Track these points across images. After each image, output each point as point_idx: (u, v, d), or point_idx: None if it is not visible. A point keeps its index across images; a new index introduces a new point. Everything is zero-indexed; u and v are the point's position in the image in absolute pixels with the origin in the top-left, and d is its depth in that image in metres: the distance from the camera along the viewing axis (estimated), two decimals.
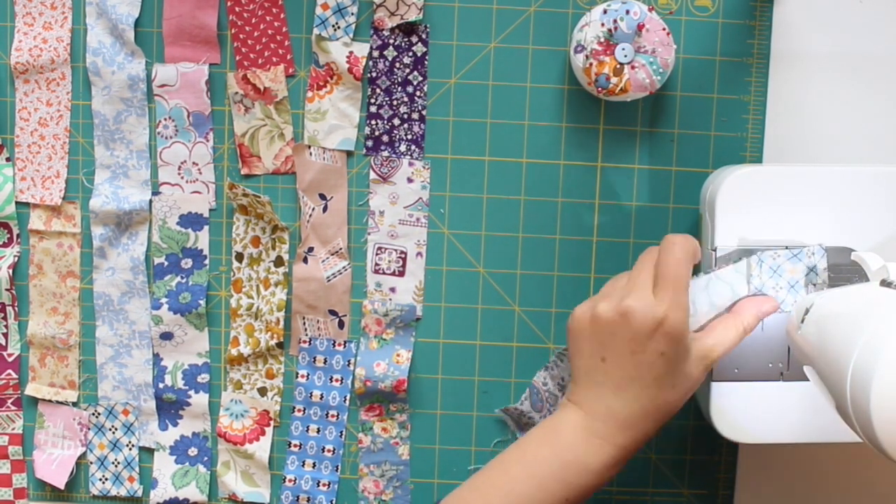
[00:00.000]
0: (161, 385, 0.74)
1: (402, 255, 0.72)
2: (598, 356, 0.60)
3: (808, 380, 0.58)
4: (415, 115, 0.71)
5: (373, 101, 0.71)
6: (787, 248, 0.63)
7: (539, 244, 0.72)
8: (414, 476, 0.74)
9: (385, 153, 0.72)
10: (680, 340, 0.58)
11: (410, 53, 0.71)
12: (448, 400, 0.74)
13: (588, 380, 0.61)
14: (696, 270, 0.63)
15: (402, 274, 0.72)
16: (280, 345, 0.74)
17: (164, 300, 0.73)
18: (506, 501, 0.60)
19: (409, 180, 0.71)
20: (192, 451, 0.75)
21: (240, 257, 0.73)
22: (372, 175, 0.71)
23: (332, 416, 0.74)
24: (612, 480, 0.61)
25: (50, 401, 0.75)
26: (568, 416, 0.61)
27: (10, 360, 0.75)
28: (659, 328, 0.58)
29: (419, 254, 0.72)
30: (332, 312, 0.73)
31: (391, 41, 0.71)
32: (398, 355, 0.73)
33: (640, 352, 0.59)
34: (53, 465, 0.75)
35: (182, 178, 0.72)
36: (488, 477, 0.62)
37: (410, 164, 0.71)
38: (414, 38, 0.71)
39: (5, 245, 0.74)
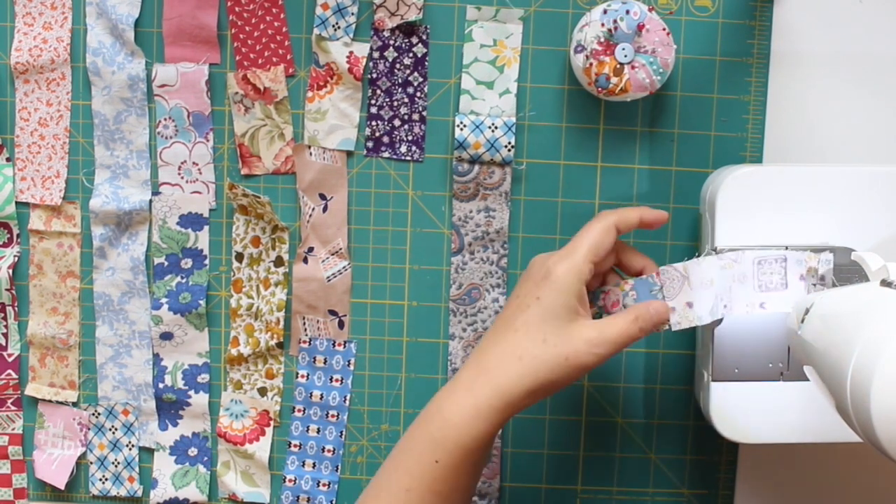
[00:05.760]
0: (161, 385, 0.74)
1: None
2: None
3: (808, 380, 0.58)
4: (415, 116, 0.71)
5: (373, 101, 0.71)
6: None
7: (539, 244, 0.72)
8: None
9: (385, 154, 0.72)
10: (560, 291, 0.58)
11: (411, 54, 0.71)
12: None
13: (487, 332, 0.62)
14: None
15: None
16: (280, 345, 0.74)
17: (164, 300, 0.73)
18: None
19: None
20: (192, 451, 0.75)
21: (240, 257, 0.73)
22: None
23: (332, 416, 0.74)
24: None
25: (50, 401, 0.75)
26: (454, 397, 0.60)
27: (10, 360, 0.75)
28: (546, 277, 0.59)
29: None
30: (332, 312, 0.73)
31: (391, 42, 0.71)
32: None
33: (522, 295, 0.60)
34: (53, 465, 0.75)
35: (182, 178, 0.72)
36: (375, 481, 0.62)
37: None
38: (414, 39, 0.71)
39: (5, 245, 0.74)
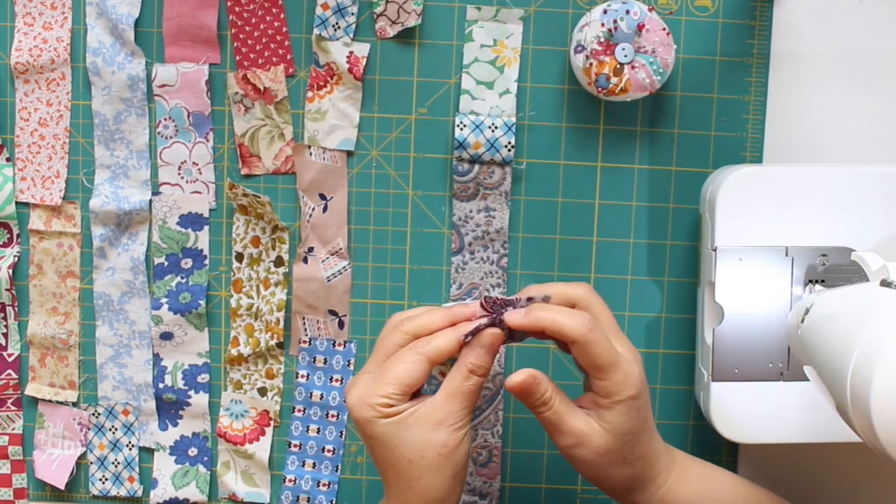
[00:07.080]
0: (161, 385, 0.74)
1: None
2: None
3: (808, 380, 0.58)
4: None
5: None
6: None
7: (539, 244, 0.72)
8: None
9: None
10: (365, 424, 0.58)
11: None
12: None
13: None
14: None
15: None
16: (280, 345, 0.74)
17: (164, 300, 0.73)
18: None
19: None
20: (192, 451, 0.75)
21: (240, 257, 0.73)
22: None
23: (332, 416, 0.74)
24: None
25: (50, 401, 0.75)
26: None
27: (10, 360, 0.75)
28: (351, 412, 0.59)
29: None
30: (332, 312, 0.73)
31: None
32: None
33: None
34: (53, 465, 0.75)
35: (182, 178, 0.72)
36: None
37: None
38: None
39: (5, 245, 0.74)
